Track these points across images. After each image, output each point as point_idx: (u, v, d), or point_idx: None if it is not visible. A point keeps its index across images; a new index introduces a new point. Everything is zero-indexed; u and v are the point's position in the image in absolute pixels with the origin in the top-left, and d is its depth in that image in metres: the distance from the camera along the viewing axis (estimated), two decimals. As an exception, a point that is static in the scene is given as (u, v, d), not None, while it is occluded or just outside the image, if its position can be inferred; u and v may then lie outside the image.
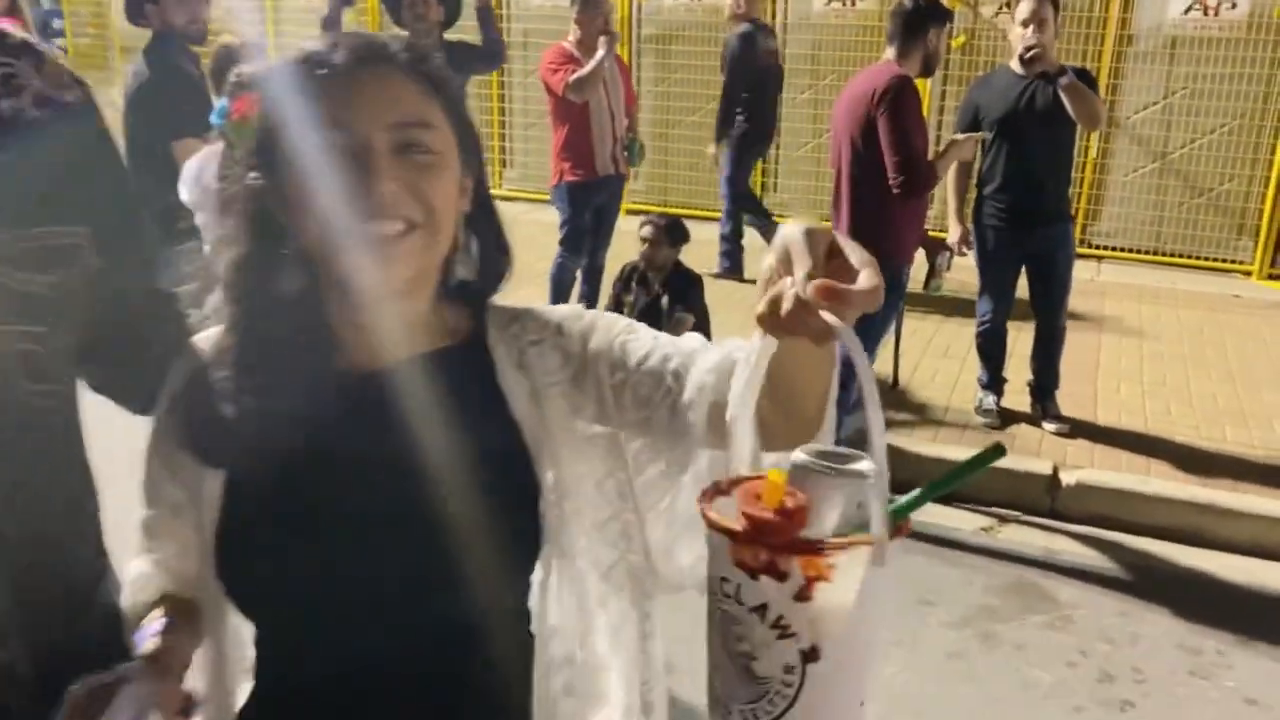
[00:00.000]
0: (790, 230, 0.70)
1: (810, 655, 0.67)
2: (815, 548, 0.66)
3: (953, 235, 4.48)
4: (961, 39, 7.13)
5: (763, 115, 6.43)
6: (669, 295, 4.40)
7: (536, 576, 1.06)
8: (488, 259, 1.08)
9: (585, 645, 1.10)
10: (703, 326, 4.47)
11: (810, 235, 0.69)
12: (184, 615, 1.05)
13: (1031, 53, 4.05)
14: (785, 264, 0.70)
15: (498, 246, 1.09)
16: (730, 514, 0.70)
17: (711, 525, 0.70)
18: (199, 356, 1.05)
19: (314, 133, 0.94)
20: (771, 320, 0.69)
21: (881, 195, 3.71)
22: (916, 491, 0.71)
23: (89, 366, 1.14)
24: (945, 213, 4.64)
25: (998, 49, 6.67)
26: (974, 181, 4.50)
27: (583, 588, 1.09)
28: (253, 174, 0.99)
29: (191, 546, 1.06)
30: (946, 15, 3.85)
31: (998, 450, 0.70)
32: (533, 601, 1.08)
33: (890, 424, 4.46)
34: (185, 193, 3.21)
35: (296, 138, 0.95)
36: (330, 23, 4.76)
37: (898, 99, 3.60)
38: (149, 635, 0.99)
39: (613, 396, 1.03)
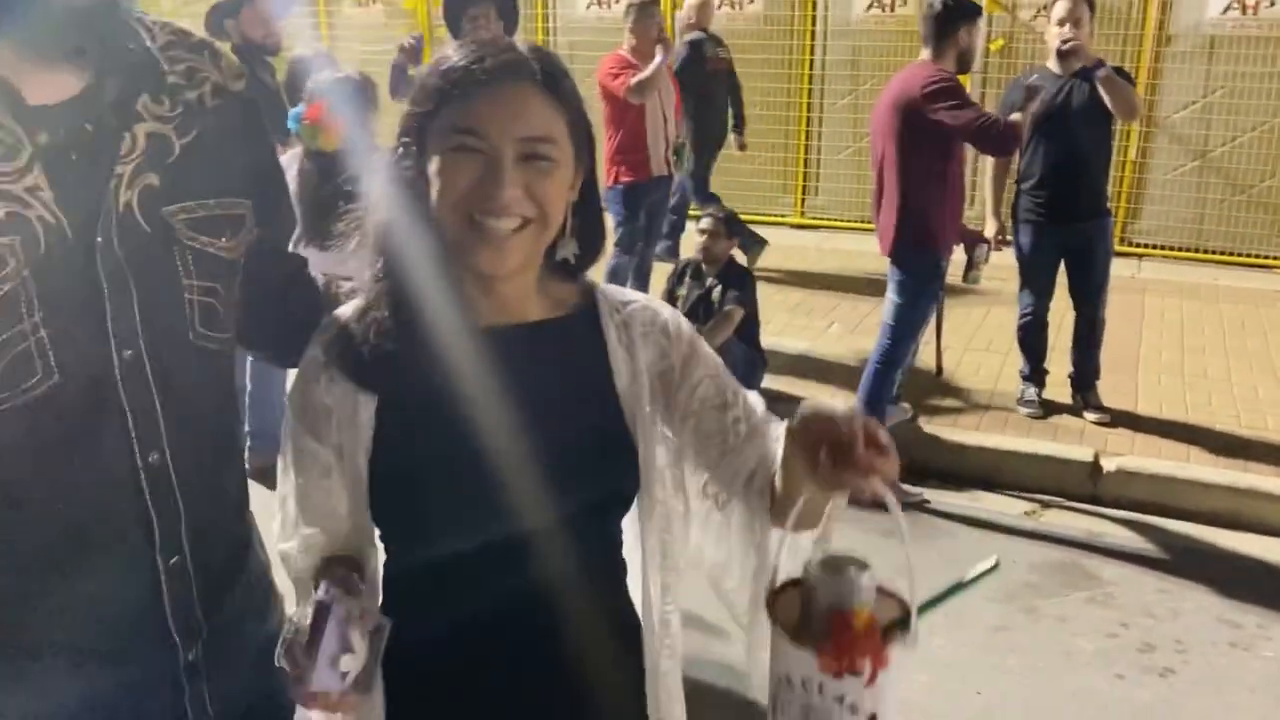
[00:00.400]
0: (846, 411, 0.97)
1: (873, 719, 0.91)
2: (885, 649, 0.89)
3: (990, 230, 4.61)
4: (1000, 42, 7.25)
5: (710, 120, 6.58)
6: (721, 288, 4.56)
7: (632, 516, 1.25)
8: (587, 239, 1.23)
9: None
10: (752, 322, 4.62)
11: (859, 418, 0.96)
12: (347, 568, 1.18)
13: (1069, 44, 4.17)
14: (826, 427, 0.95)
15: (596, 227, 1.24)
16: (788, 612, 0.93)
17: (801, 644, 0.90)
18: (352, 309, 1.20)
19: (454, 133, 1.09)
20: (829, 479, 0.95)
21: (920, 192, 3.86)
22: (934, 595, 0.97)
23: (239, 318, 1.29)
24: (984, 209, 4.76)
25: (1035, 51, 6.77)
26: (1012, 179, 4.62)
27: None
28: (400, 151, 1.14)
29: (342, 505, 1.19)
30: (976, 11, 3.98)
31: (995, 567, 1.03)
32: (625, 531, 1.27)
33: (935, 412, 4.60)
34: None
35: (439, 133, 1.10)
36: (398, 71, 4.96)
37: (945, 86, 3.75)
38: (321, 594, 1.09)
39: (679, 414, 1.23)
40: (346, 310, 1.21)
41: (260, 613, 1.32)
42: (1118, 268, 4.72)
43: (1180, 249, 7.12)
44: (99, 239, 1.04)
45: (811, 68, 7.92)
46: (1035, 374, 4.69)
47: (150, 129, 1.10)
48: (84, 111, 1.05)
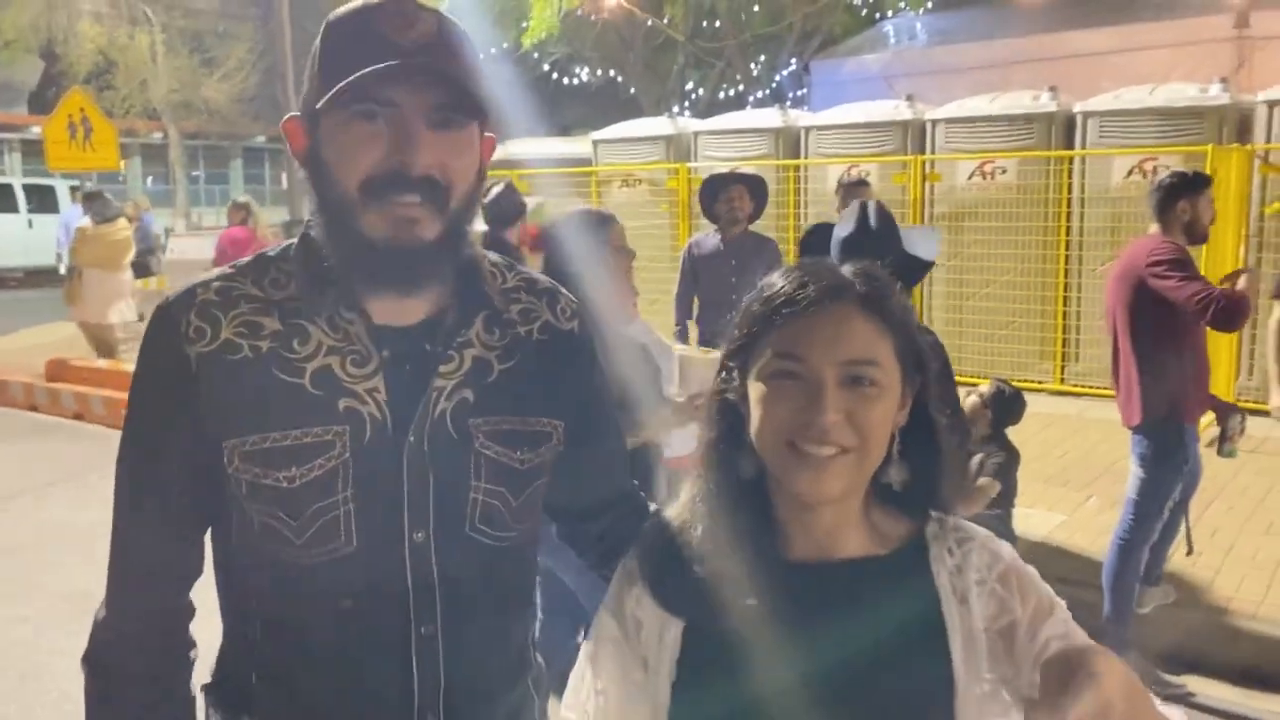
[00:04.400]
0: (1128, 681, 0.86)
1: None
2: None
3: (1274, 401, 4.34)
4: (1276, 206, 6.89)
5: None
6: (983, 457, 4.44)
7: None
8: (922, 466, 1.13)
9: None
10: (1007, 497, 4.42)
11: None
12: None
13: None
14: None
15: (932, 454, 1.13)
16: None
17: None
18: (666, 527, 1.20)
19: (774, 358, 1.08)
20: None
21: (1156, 362, 3.75)
22: None
23: (558, 519, 1.46)
24: (1267, 379, 4.48)
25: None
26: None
27: None
28: (724, 375, 1.16)
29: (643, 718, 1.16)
30: (1202, 184, 3.89)
31: None
32: None
33: (1202, 598, 4.26)
34: None
35: (760, 358, 1.10)
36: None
37: (1169, 259, 3.68)
38: None
39: (1029, 667, 1.05)
40: (661, 524, 1.21)
41: None
42: None
43: None
44: (410, 438, 1.21)
45: (1068, 234, 7.81)
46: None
47: (476, 353, 1.27)
48: (425, 336, 1.24)
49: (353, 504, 1.20)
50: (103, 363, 9.29)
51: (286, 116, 1.24)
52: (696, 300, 5.62)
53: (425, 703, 1.25)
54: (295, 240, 1.28)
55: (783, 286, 1.10)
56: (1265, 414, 4.32)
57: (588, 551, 1.50)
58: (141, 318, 12.52)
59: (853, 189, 5.51)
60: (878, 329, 1.07)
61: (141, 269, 12.19)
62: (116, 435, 1.27)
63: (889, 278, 1.13)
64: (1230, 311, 3.64)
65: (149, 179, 29.08)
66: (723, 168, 8.77)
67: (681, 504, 1.20)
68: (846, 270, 1.11)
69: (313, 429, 1.19)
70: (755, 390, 1.09)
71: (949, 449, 1.14)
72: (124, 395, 1.24)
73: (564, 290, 1.40)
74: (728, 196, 5.41)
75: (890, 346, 1.08)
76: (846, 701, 1.06)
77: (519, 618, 1.39)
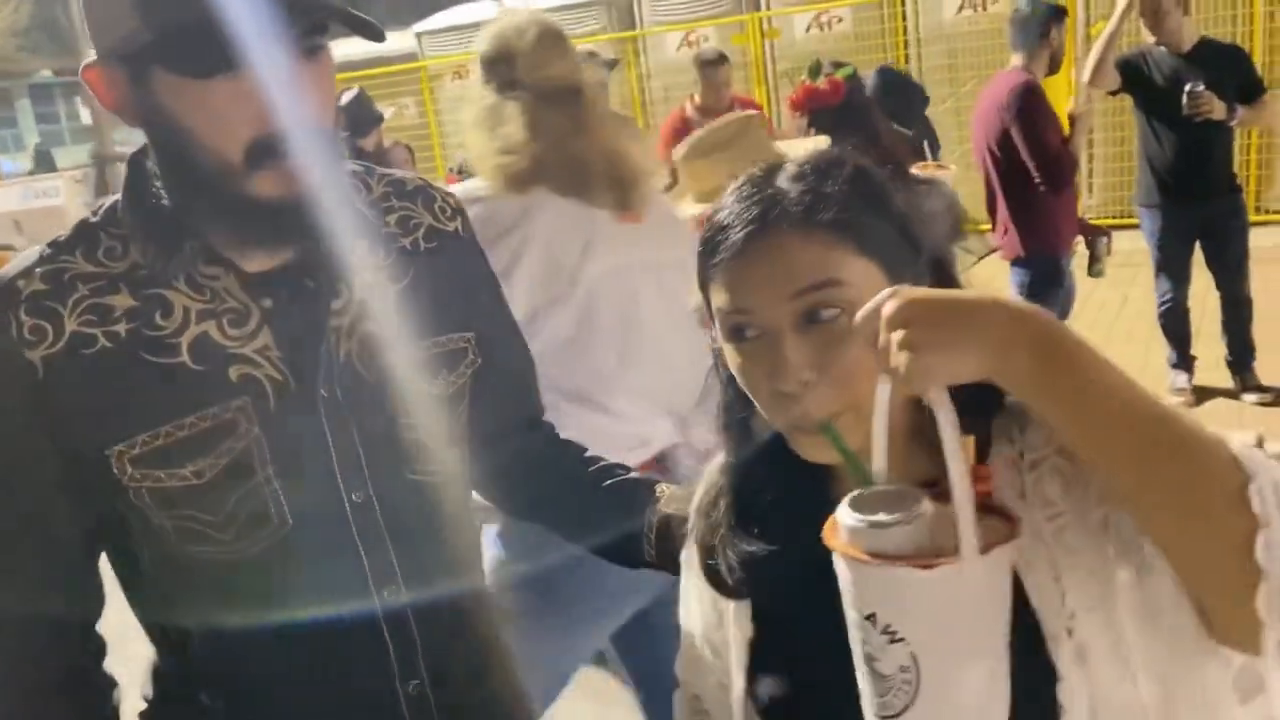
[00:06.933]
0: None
1: (917, 658, 0.74)
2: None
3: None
4: (1101, 25, 7.08)
5: None
6: None
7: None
8: None
9: None
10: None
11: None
12: None
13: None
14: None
15: None
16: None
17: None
18: (704, 497, 1.04)
19: (724, 316, 0.90)
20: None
21: (1030, 195, 3.85)
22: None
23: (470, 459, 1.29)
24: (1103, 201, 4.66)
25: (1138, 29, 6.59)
26: (1134, 162, 4.52)
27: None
28: (712, 335, 0.97)
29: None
30: (1063, 14, 3.95)
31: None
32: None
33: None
34: None
35: (715, 315, 0.92)
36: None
37: (1024, 107, 3.74)
38: None
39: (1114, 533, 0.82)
40: (693, 500, 1.05)
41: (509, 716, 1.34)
42: (1259, 238, 4.54)
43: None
44: (323, 392, 1.08)
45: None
46: (1183, 360, 4.56)
47: (366, 280, 1.13)
48: (303, 272, 1.09)
49: (277, 481, 1.05)
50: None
51: (86, 64, 1.01)
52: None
53: (406, 670, 1.14)
54: (117, 198, 1.08)
55: (721, 215, 0.90)
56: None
57: (487, 485, 1.37)
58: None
59: (711, 66, 5.35)
60: (827, 242, 0.85)
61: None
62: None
63: (850, 159, 0.91)
64: (1065, 182, 3.78)
65: (-75, 133, 26.48)
66: (558, 48, 8.45)
67: (713, 480, 1.04)
68: (785, 177, 0.89)
69: (209, 410, 1.03)
70: (727, 354, 0.91)
71: None
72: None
73: (437, 187, 1.26)
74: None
75: (854, 252, 0.86)
76: None
77: (472, 553, 1.30)
